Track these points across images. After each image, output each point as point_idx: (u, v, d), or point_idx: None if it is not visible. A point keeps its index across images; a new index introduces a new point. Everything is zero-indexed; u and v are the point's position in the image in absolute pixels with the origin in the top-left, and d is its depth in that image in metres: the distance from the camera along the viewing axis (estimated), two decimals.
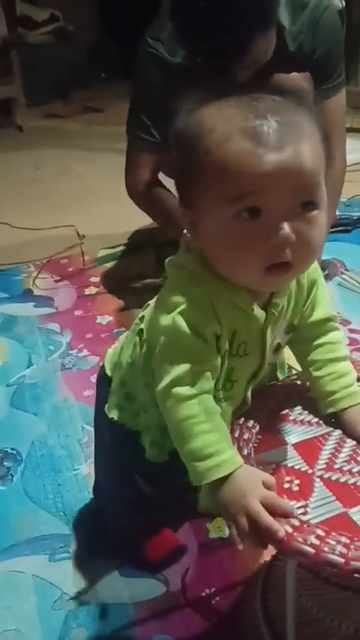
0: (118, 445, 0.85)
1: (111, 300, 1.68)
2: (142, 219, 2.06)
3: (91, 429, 1.18)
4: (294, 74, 1.45)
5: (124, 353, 0.79)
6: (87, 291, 1.73)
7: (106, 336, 1.50)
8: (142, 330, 0.75)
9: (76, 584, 0.92)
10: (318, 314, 0.75)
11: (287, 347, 0.78)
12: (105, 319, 1.59)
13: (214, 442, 0.63)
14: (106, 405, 0.82)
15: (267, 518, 0.58)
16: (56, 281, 1.79)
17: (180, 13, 1.23)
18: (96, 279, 1.79)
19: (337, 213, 1.95)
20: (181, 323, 0.64)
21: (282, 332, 0.74)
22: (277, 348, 0.75)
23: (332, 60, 1.47)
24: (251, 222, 0.59)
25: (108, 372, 0.83)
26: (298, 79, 1.46)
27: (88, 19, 4.13)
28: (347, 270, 1.70)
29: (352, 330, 1.44)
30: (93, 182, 2.56)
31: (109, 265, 1.88)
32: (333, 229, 1.75)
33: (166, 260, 0.71)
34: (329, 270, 1.64)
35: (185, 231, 0.69)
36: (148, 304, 0.77)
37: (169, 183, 1.44)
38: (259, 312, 0.68)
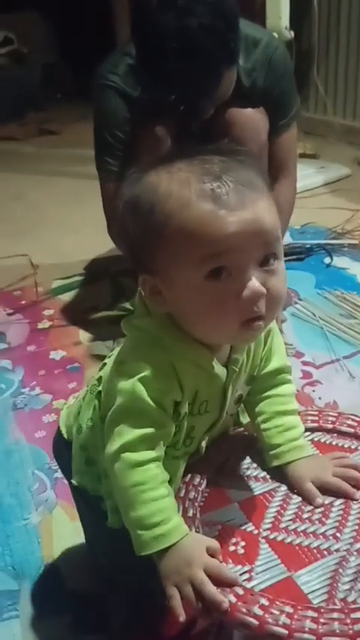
0: (85, 511, 0.83)
1: (65, 334, 1.64)
2: (98, 247, 2.05)
3: (42, 475, 1.17)
4: (249, 109, 1.47)
5: (82, 415, 0.77)
6: (40, 325, 1.70)
7: (59, 373, 1.48)
8: (100, 392, 0.73)
9: None
10: (273, 364, 0.75)
11: None
12: (58, 354, 1.56)
13: (160, 510, 0.62)
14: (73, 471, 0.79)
15: (211, 589, 0.58)
16: (9, 314, 1.76)
17: (150, 55, 1.23)
18: (50, 312, 1.76)
19: (290, 240, 1.98)
20: (141, 390, 0.63)
21: (243, 384, 0.74)
22: (239, 400, 0.76)
23: (285, 97, 1.50)
24: (222, 282, 0.60)
25: (65, 435, 0.80)
26: (252, 113, 1.48)
27: (42, 40, 4.12)
28: (300, 299, 1.70)
29: (305, 363, 1.44)
30: (48, 208, 2.53)
31: (63, 297, 1.85)
32: (286, 258, 1.75)
33: (123, 322, 0.70)
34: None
35: (142, 295, 0.67)
36: (105, 363, 0.76)
37: None
38: (220, 370, 0.68)
